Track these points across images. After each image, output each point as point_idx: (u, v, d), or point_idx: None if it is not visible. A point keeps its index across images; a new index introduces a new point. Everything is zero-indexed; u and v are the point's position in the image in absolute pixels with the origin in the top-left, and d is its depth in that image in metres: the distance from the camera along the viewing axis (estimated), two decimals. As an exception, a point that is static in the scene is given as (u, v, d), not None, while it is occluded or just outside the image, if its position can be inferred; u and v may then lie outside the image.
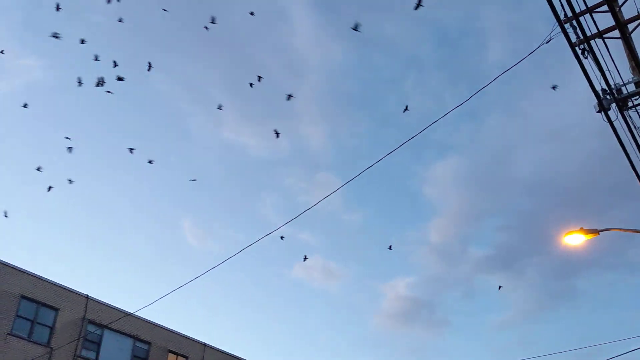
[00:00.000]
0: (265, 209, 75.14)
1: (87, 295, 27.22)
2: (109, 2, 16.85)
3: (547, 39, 9.25)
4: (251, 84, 19.27)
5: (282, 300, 76.12)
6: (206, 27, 17.77)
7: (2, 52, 19.10)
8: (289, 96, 18.63)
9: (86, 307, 26.83)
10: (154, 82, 62.63)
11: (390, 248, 22.04)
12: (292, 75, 74.78)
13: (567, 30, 8.57)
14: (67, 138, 19.29)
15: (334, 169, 77.84)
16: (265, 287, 76.35)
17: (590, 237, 12.91)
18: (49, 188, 22.44)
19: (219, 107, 20.22)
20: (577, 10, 9.04)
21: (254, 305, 75.05)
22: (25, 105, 19.83)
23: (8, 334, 23.52)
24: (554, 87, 13.72)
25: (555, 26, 8.94)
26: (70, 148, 19.30)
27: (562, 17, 8.69)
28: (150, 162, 21.20)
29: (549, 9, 7.75)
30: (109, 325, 27.15)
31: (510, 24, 72.90)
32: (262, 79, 19.18)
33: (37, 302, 25.03)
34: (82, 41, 16.68)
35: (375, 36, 73.98)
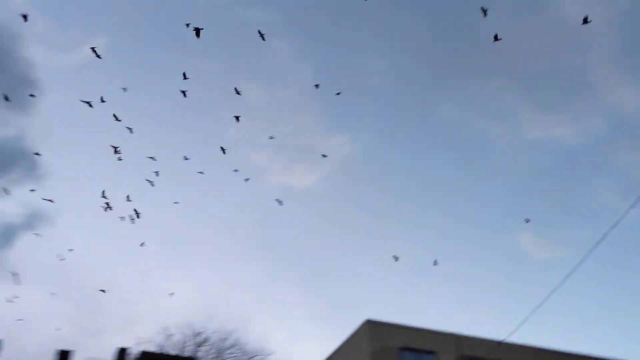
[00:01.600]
0: (600, 196, 68.18)
1: (459, 333, 29.73)
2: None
3: None
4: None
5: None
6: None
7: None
8: None
9: (460, 344, 29.32)
10: (443, 110, 64.14)
11: None
12: (576, 50, 68.05)
13: None
14: None
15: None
16: (627, 283, 68.20)
17: None
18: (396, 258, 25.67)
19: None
20: None
21: (619, 306, 67.69)
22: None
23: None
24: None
25: None
26: None
27: None
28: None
29: None
30: (486, 358, 29.07)
31: None
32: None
33: (417, 351, 28.52)
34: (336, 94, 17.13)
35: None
